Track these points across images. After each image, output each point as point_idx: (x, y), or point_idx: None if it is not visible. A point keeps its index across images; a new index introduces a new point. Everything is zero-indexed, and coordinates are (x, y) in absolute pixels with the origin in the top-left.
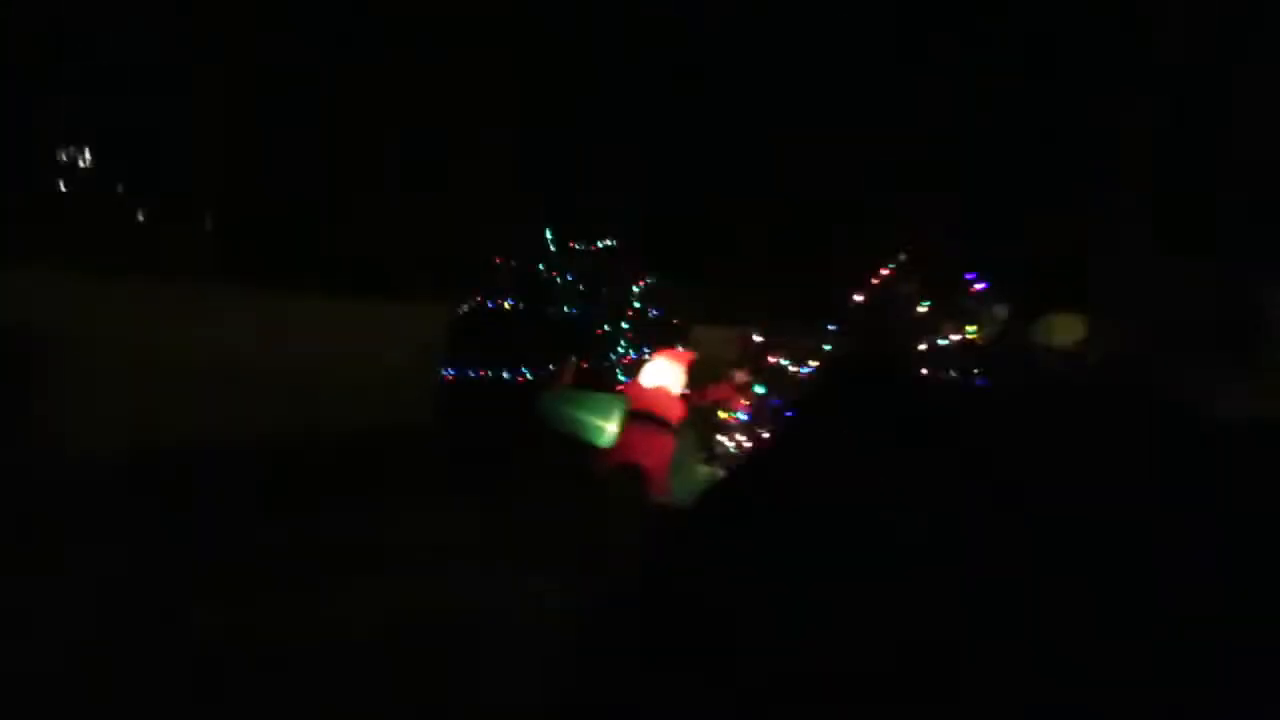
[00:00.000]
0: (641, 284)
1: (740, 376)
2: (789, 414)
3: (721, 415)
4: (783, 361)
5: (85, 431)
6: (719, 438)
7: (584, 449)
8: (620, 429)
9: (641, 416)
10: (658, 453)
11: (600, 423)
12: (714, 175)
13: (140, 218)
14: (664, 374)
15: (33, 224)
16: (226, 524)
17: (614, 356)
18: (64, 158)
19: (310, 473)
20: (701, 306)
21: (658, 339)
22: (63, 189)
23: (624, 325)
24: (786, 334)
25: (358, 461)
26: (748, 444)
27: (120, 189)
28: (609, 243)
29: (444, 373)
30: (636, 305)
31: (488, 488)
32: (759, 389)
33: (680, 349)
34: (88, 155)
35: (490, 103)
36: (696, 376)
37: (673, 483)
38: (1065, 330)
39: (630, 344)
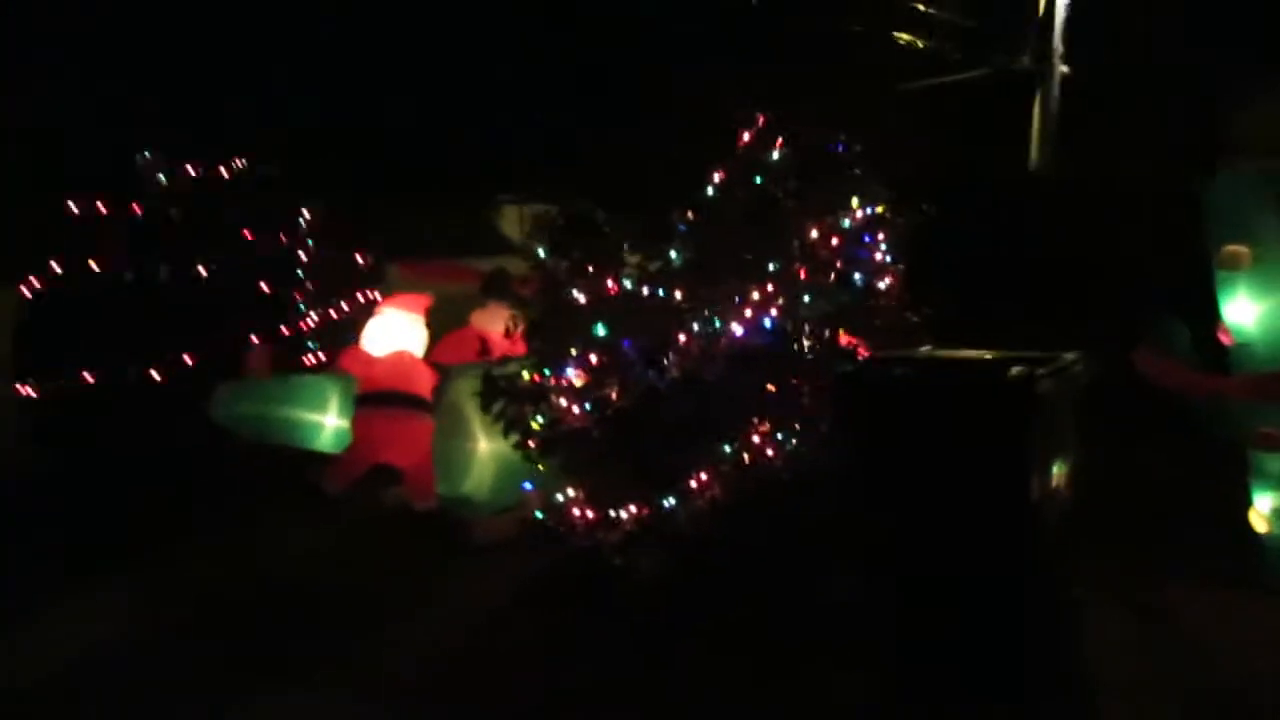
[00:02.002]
0: (310, 217)
1: (498, 314)
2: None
3: (512, 374)
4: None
5: None
6: (512, 405)
7: (298, 459)
8: (348, 421)
9: (379, 398)
10: (412, 443)
11: (314, 417)
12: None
13: None
14: (398, 332)
15: None
16: None
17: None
18: None
19: None
20: (404, 237)
21: (342, 288)
22: None
23: (298, 275)
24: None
25: None
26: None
27: None
28: (250, 163)
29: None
30: (309, 245)
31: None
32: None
33: (414, 295)
34: None
35: None
36: (440, 327)
37: (442, 480)
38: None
39: (309, 299)
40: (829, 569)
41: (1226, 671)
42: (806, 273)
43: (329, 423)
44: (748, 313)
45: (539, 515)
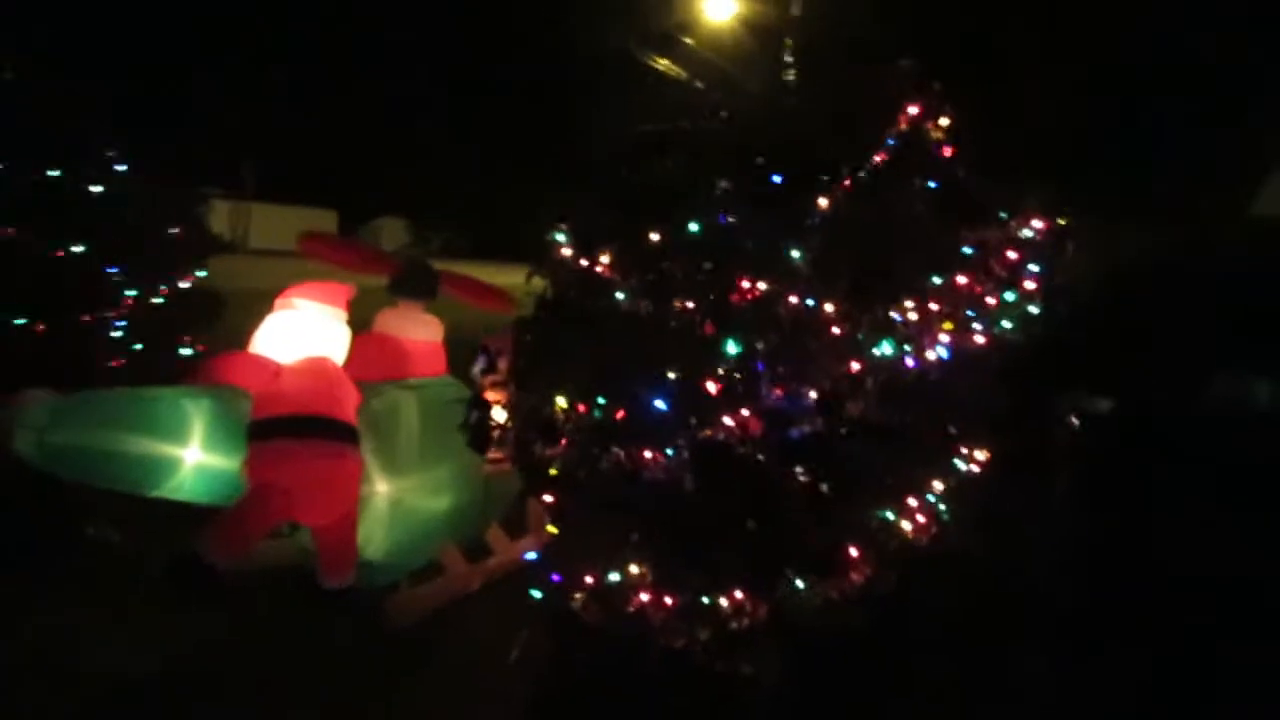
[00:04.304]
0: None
1: (412, 317)
2: None
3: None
4: None
5: None
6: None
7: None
8: (223, 458)
9: (287, 426)
10: (336, 493)
11: (166, 450)
12: None
13: None
14: (313, 333)
15: None
16: None
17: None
18: None
19: None
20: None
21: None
22: None
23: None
24: None
25: None
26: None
27: None
28: None
29: None
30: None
31: None
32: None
33: (331, 283)
34: None
35: None
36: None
37: (387, 541)
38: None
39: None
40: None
41: None
42: (979, 290)
43: (189, 458)
44: (943, 337)
45: (535, 594)
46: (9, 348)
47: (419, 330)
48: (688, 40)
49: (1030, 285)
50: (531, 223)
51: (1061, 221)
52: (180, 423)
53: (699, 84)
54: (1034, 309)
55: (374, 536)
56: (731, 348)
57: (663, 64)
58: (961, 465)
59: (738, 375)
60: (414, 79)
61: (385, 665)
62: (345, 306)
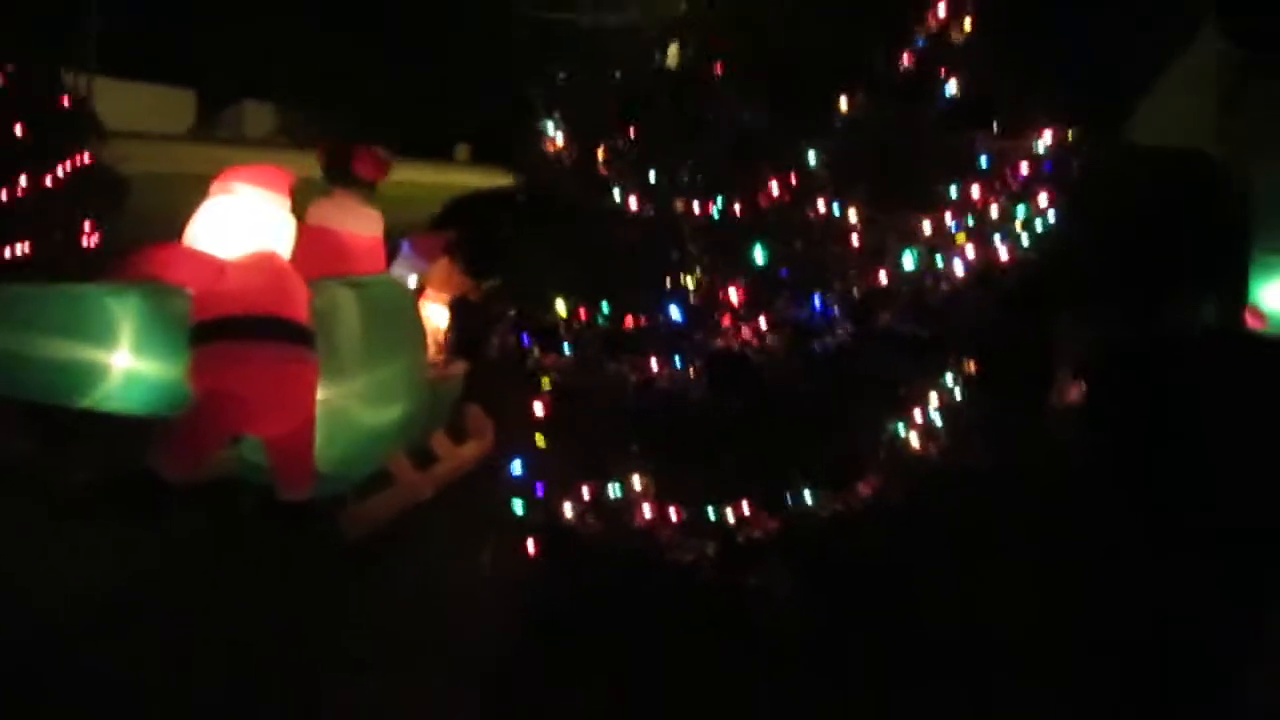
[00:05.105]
0: None
1: (348, 208)
2: None
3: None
4: None
5: None
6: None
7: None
8: (154, 363)
9: (235, 327)
10: (292, 399)
11: (91, 354)
12: None
13: None
14: (257, 223)
15: None
16: None
17: None
18: None
19: None
20: None
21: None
22: None
23: None
24: None
25: None
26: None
27: None
28: None
29: None
30: None
31: None
32: None
33: (269, 167)
34: None
35: None
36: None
37: (332, 451)
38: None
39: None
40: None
41: None
42: (996, 203)
43: (117, 363)
44: (969, 248)
45: (518, 508)
46: None
47: (359, 224)
48: None
49: (1043, 200)
50: (419, 112)
51: (1069, 136)
52: (106, 324)
53: None
54: (1043, 224)
55: (327, 443)
56: (759, 255)
57: None
58: (954, 380)
59: (760, 282)
60: None
61: (351, 579)
62: (289, 194)
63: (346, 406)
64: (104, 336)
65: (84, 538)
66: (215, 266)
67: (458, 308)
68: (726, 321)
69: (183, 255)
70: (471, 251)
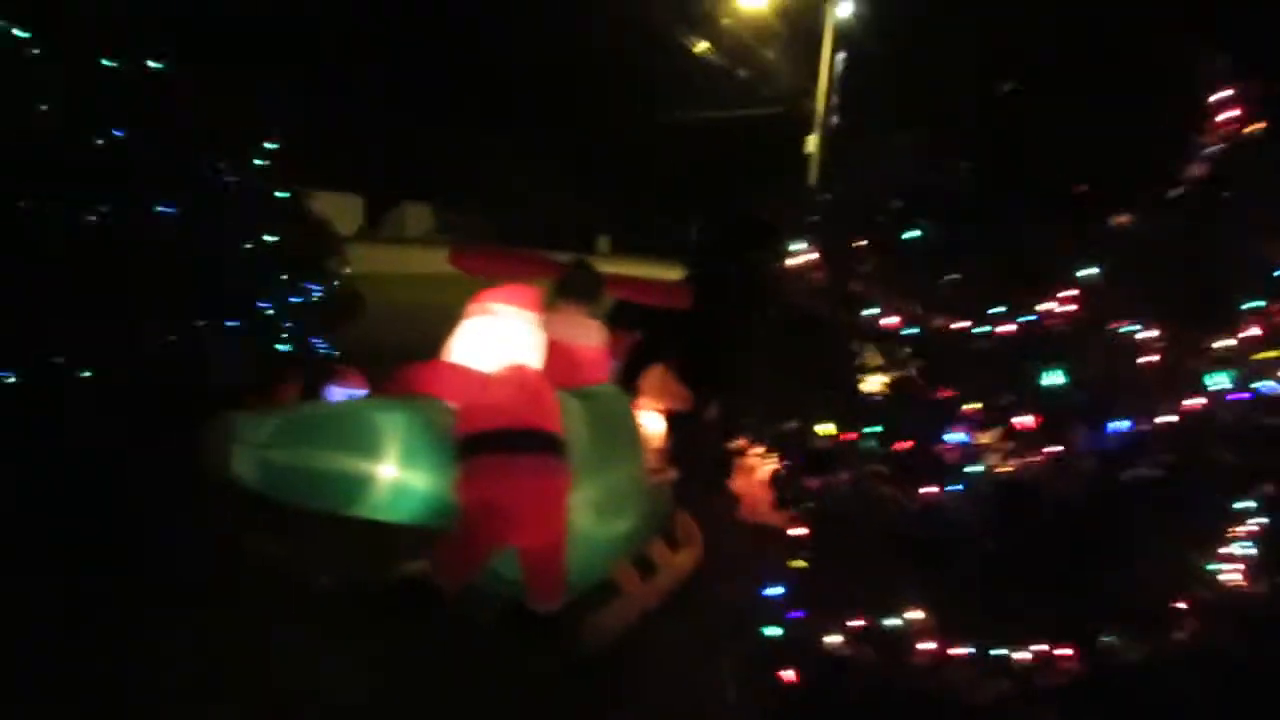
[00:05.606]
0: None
1: (576, 321)
2: None
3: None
4: None
5: None
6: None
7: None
8: (419, 475)
9: (502, 441)
10: (549, 511)
11: (359, 466)
12: None
13: None
14: (512, 338)
15: None
16: None
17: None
18: None
19: None
20: None
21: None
22: None
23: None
24: None
25: None
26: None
27: None
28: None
29: None
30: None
31: None
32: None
33: (519, 286)
34: None
35: None
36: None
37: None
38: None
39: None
40: None
41: None
42: None
43: (384, 474)
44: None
45: (773, 632)
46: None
47: (585, 335)
48: (726, 22)
49: None
50: (561, 209)
51: None
52: (375, 438)
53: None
54: None
55: (572, 553)
56: (1056, 378)
57: (701, 47)
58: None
59: (1053, 408)
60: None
61: (600, 692)
62: (539, 310)
63: (580, 515)
64: (373, 450)
65: (353, 639)
66: (478, 381)
67: (677, 421)
68: (1010, 446)
69: (447, 371)
70: (698, 370)
